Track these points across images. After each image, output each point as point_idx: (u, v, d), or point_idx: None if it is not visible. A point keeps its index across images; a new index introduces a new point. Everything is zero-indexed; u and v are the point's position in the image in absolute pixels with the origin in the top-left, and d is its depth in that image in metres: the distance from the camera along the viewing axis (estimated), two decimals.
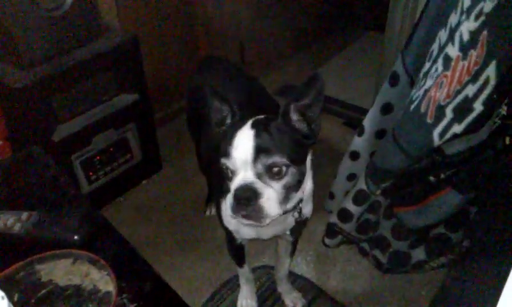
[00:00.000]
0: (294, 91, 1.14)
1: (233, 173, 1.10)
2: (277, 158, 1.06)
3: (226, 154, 1.10)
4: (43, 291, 0.90)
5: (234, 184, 1.09)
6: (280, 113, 1.13)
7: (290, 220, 1.34)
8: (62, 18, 1.99)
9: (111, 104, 2.29)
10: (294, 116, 1.12)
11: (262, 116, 1.17)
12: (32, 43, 1.94)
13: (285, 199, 1.12)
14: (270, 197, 1.08)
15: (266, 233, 1.43)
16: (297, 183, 1.14)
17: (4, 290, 0.65)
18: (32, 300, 0.88)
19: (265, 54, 3.65)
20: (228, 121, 1.20)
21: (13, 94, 1.90)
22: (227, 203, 1.13)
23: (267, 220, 1.10)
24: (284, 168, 1.08)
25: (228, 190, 1.15)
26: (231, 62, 2.09)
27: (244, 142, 1.08)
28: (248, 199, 1.06)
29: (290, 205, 1.18)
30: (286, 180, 1.10)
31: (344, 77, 3.61)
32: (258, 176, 1.07)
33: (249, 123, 1.12)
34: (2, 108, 1.98)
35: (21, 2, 1.84)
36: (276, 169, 1.07)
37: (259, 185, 1.07)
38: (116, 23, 2.45)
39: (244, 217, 1.10)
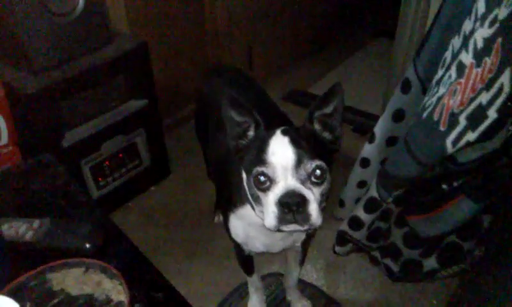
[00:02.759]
0: (316, 100, 1.13)
1: (272, 181, 1.06)
2: (319, 161, 1.04)
3: (262, 162, 1.05)
4: (55, 300, 0.89)
5: (276, 192, 1.04)
6: (304, 121, 1.13)
7: (301, 233, 1.33)
8: (72, 24, 2.00)
9: (120, 110, 2.29)
10: (317, 125, 1.13)
11: (287, 126, 1.15)
12: (42, 48, 1.95)
13: (320, 207, 1.08)
14: (316, 203, 1.04)
15: (276, 246, 1.41)
16: (328, 193, 1.12)
17: (16, 299, 0.64)
18: None
19: (274, 59, 3.64)
20: (251, 133, 1.15)
21: (23, 99, 1.90)
22: (267, 215, 1.06)
23: (307, 227, 1.06)
24: (325, 171, 1.06)
25: (258, 202, 1.11)
26: (240, 71, 2.08)
27: (281, 148, 1.05)
28: (298, 205, 1.02)
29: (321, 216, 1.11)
30: (325, 185, 1.07)
31: (352, 82, 3.60)
32: (301, 182, 1.04)
33: (279, 131, 1.10)
34: (12, 113, 1.99)
35: (32, 7, 1.85)
36: (319, 173, 1.04)
37: (305, 190, 1.03)
38: (126, 29, 2.46)
39: (288, 223, 1.05)
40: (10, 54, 2.03)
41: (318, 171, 1.04)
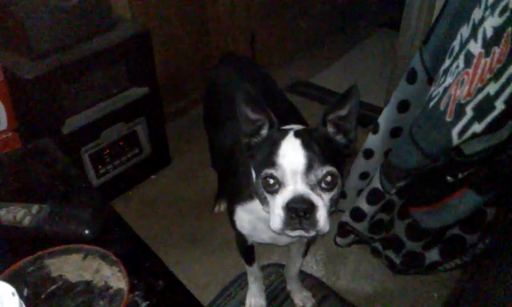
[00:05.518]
0: (330, 102, 1.10)
1: (281, 184, 1.03)
2: (330, 167, 1.01)
3: (272, 164, 1.03)
4: (53, 286, 0.87)
5: (284, 196, 1.01)
6: (318, 124, 1.10)
7: None
8: (73, 8, 1.97)
9: (121, 97, 2.27)
10: (330, 128, 1.10)
11: (301, 127, 1.13)
12: (43, 33, 1.92)
13: (328, 213, 1.06)
14: (324, 210, 1.01)
15: (283, 239, 1.39)
16: (338, 198, 1.09)
17: (13, 285, 0.62)
18: (42, 296, 0.85)
19: (277, 48, 3.61)
20: (264, 131, 1.12)
21: (23, 85, 1.88)
22: (273, 217, 1.04)
23: (313, 233, 1.03)
24: (336, 177, 1.03)
25: (265, 202, 1.09)
26: (251, 61, 2.05)
27: (292, 151, 1.02)
28: (305, 211, 0.99)
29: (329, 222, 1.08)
30: (335, 191, 1.04)
31: (355, 73, 3.57)
32: (311, 187, 1.01)
33: (291, 132, 1.07)
34: (12, 99, 1.96)
35: None
36: (329, 178, 1.01)
37: (314, 196, 1.00)
38: (128, 15, 2.43)
39: (294, 228, 1.03)
40: (10, 39, 2.00)
41: (329, 177, 1.01)
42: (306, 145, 1.02)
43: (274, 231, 1.06)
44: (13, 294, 0.61)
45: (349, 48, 3.97)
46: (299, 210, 0.99)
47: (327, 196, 1.03)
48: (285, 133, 1.07)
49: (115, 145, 2.33)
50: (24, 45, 1.93)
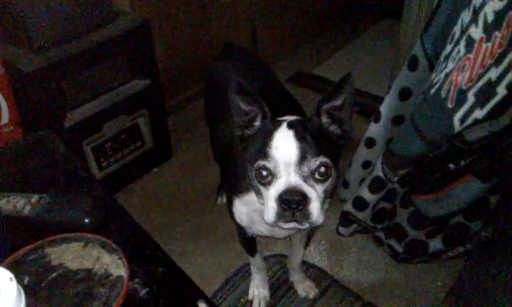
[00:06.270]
0: (324, 92, 1.08)
1: (274, 176, 1.02)
2: (323, 158, 1.00)
3: (265, 156, 1.02)
4: (54, 274, 0.87)
5: (277, 188, 1.00)
6: (311, 114, 1.09)
7: None
8: (74, 1, 1.97)
9: (123, 90, 2.26)
10: (325, 118, 1.08)
11: (294, 118, 1.11)
12: (43, 26, 1.92)
13: (322, 204, 1.05)
14: (317, 201, 1.00)
15: (280, 232, 1.39)
16: (334, 188, 1.08)
17: (14, 273, 0.63)
18: (43, 284, 0.85)
19: (278, 39, 3.59)
20: (257, 123, 1.11)
21: (24, 78, 1.88)
22: (266, 209, 1.03)
23: (307, 225, 1.03)
24: (330, 168, 1.02)
25: (259, 194, 1.08)
26: (251, 52, 2.04)
27: (285, 143, 1.01)
28: (298, 203, 0.98)
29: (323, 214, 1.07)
30: (329, 182, 1.03)
31: (357, 64, 3.56)
32: (304, 179, 1.00)
33: (285, 123, 1.05)
34: (13, 92, 1.97)
35: None
36: (323, 169, 1.00)
37: (307, 188, 0.99)
38: (128, 7, 2.42)
39: (287, 221, 1.02)
40: (11, 32, 2.00)
41: (322, 168, 1.00)
42: (299, 136, 1.01)
43: (268, 224, 1.05)
44: (11, 279, 0.61)
45: (351, 39, 3.95)
46: (291, 202, 0.98)
47: (320, 187, 1.02)
48: (278, 125, 1.05)
49: (117, 138, 2.33)
50: (25, 38, 1.93)
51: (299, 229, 1.14)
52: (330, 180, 1.03)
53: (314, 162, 0.99)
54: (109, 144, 2.30)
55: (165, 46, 2.72)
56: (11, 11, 1.88)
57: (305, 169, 1.00)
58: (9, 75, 1.94)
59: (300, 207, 0.98)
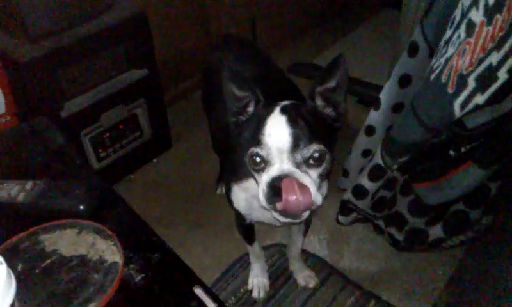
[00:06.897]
0: (317, 74, 1.07)
1: (267, 162, 1.02)
2: (316, 145, 0.99)
3: (258, 143, 1.01)
4: (48, 261, 0.86)
5: (270, 174, 0.99)
6: (306, 98, 1.08)
7: None
8: None
9: (120, 80, 2.24)
10: (319, 101, 1.07)
11: (288, 102, 1.10)
12: (39, 16, 1.89)
13: (319, 187, 1.03)
14: (312, 186, 0.98)
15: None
16: (328, 172, 1.07)
17: (8, 260, 0.62)
18: (37, 271, 0.85)
19: (278, 30, 3.56)
20: (251, 109, 1.10)
21: (20, 68, 1.86)
22: (260, 195, 1.02)
23: (306, 215, 1.02)
24: (324, 154, 1.00)
25: (255, 179, 1.08)
26: (250, 42, 2.03)
27: (278, 129, 1.00)
28: None
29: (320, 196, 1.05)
30: (324, 167, 1.02)
31: (358, 54, 3.52)
32: (297, 165, 0.99)
33: (278, 109, 1.04)
34: (10, 83, 1.95)
35: None
36: (317, 155, 0.99)
37: (299, 174, 0.98)
38: None
39: (282, 213, 1.00)
40: (6, 21, 1.97)
41: (316, 154, 0.99)
42: (292, 122, 1.00)
43: (265, 208, 1.04)
44: (1, 263, 0.60)
45: (351, 29, 3.91)
46: (281, 190, 0.96)
47: (315, 172, 1.01)
48: (270, 110, 1.04)
49: (115, 128, 2.31)
50: (20, 28, 1.90)
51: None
52: (324, 164, 1.02)
53: (307, 149, 0.99)
54: (107, 134, 2.28)
55: (163, 36, 2.70)
56: (6, 0, 1.86)
57: (298, 156, 0.99)
58: (5, 65, 1.93)
59: None
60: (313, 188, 0.98)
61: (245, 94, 1.09)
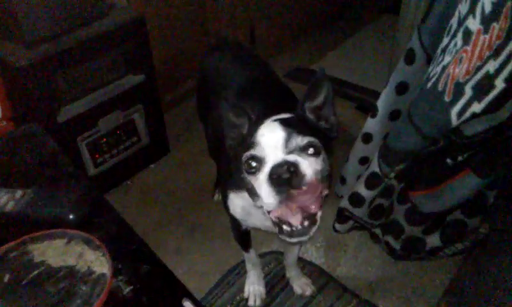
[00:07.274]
0: (304, 93, 1.11)
1: (262, 161, 1.00)
2: (310, 138, 0.99)
3: (252, 145, 1.02)
4: (35, 272, 0.85)
5: (266, 169, 0.97)
6: (296, 112, 1.12)
7: None
8: None
9: (117, 85, 2.24)
10: (310, 115, 1.12)
11: (280, 116, 1.13)
12: (36, 20, 1.89)
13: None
14: (309, 167, 0.95)
15: None
16: (328, 178, 1.04)
17: None
18: (23, 282, 0.83)
19: (276, 35, 3.56)
20: (245, 131, 1.13)
21: (16, 73, 1.85)
22: (264, 197, 0.98)
23: (313, 231, 1.00)
24: (319, 147, 1.00)
25: (252, 192, 1.05)
26: (244, 46, 2.03)
27: (270, 129, 1.03)
28: (288, 169, 0.91)
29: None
30: (321, 159, 1.00)
31: (356, 60, 3.52)
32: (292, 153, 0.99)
33: (269, 119, 1.09)
34: (6, 88, 1.94)
35: None
36: (312, 150, 0.99)
37: (293, 157, 0.96)
38: (124, 1, 2.39)
39: (289, 234, 0.99)
40: (2, 25, 1.97)
41: (311, 149, 0.99)
42: (284, 124, 1.02)
43: (267, 207, 1.01)
44: None
45: (349, 35, 3.91)
46: (282, 174, 0.92)
47: (312, 160, 0.98)
48: (262, 122, 1.09)
49: (112, 134, 2.30)
50: (17, 33, 1.90)
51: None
52: (321, 157, 1.01)
53: (301, 139, 0.99)
54: (104, 140, 2.28)
55: (161, 41, 2.69)
56: (3, 5, 1.86)
57: (293, 145, 1.00)
58: (1, 69, 1.92)
59: (293, 173, 0.92)
60: (309, 168, 0.95)
61: (241, 120, 1.13)
